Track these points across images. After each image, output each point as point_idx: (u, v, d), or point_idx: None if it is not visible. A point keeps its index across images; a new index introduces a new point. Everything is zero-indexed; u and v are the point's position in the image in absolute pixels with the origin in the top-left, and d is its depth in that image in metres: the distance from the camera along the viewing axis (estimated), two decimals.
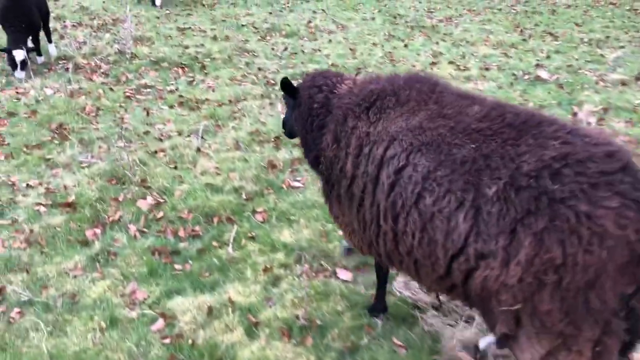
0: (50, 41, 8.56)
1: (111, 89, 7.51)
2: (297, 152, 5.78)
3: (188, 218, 4.85)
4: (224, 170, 5.61)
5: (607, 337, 2.40)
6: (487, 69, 9.05)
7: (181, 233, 4.67)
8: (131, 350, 3.48)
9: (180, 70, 8.36)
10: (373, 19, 11.99)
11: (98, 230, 4.62)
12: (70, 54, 8.57)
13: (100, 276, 4.13)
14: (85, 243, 4.48)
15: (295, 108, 3.83)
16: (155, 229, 4.71)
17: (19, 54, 7.36)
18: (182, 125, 6.62)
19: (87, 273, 4.17)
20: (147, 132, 6.37)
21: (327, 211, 3.79)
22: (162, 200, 5.05)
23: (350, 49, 9.81)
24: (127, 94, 7.41)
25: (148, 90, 7.60)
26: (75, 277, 4.12)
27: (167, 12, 11.40)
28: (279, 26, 10.81)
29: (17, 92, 7.20)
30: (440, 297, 3.87)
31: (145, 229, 4.71)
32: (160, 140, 6.23)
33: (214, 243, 4.57)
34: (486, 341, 3.41)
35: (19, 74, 7.47)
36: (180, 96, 7.45)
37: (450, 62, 9.30)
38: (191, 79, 8.08)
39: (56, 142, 6.03)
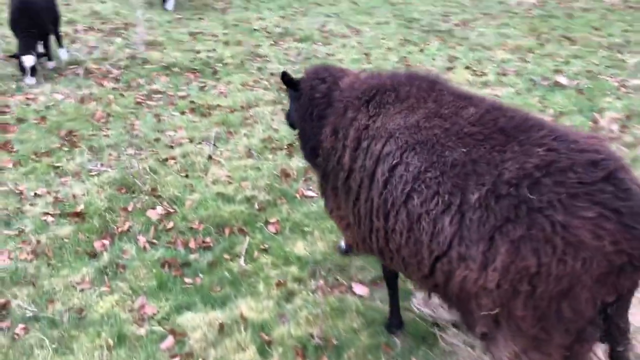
0: (61, 46, 8.47)
1: (122, 95, 7.39)
2: None
3: (199, 229, 4.71)
4: (235, 179, 5.46)
5: (577, 344, 2.43)
6: (504, 74, 8.85)
7: (192, 244, 4.53)
8: None
9: (191, 76, 8.23)
10: (387, 23, 11.81)
11: (106, 242, 4.49)
12: (81, 59, 8.48)
13: (108, 290, 3.99)
14: (94, 255, 4.35)
15: (296, 100, 3.90)
16: (165, 240, 4.58)
17: (29, 60, 7.27)
18: (194, 132, 6.49)
19: (94, 286, 4.04)
20: (157, 139, 6.24)
21: None
22: (172, 210, 4.92)
23: (365, 54, 9.65)
24: (138, 99, 7.29)
25: (159, 95, 7.48)
26: (82, 290, 4.00)
27: (179, 16, 11.30)
28: (292, 31, 10.67)
29: (27, 98, 7.10)
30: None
31: (155, 240, 4.57)
32: (171, 147, 6.10)
33: (226, 255, 4.43)
34: None
35: (29, 79, 7.37)
36: (192, 102, 7.32)
37: (467, 67, 9.11)
38: (203, 85, 7.95)
39: (65, 149, 5.91)
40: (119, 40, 9.55)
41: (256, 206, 5.06)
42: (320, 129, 3.52)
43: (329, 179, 3.41)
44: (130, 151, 5.81)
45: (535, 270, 2.30)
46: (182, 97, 7.46)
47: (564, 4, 14.20)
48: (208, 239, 4.60)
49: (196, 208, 4.97)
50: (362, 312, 3.85)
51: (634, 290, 2.50)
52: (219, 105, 7.26)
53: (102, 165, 5.61)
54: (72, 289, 3.99)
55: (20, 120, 6.48)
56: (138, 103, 7.21)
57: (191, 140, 6.28)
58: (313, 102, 3.66)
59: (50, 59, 8.13)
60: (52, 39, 8.20)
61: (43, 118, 6.54)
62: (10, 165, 5.52)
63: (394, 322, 3.72)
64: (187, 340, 3.60)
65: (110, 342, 3.54)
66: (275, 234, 4.74)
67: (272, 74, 8.47)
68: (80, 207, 4.87)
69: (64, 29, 9.55)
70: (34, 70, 7.38)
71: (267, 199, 5.19)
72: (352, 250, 4.42)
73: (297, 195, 5.26)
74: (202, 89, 7.83)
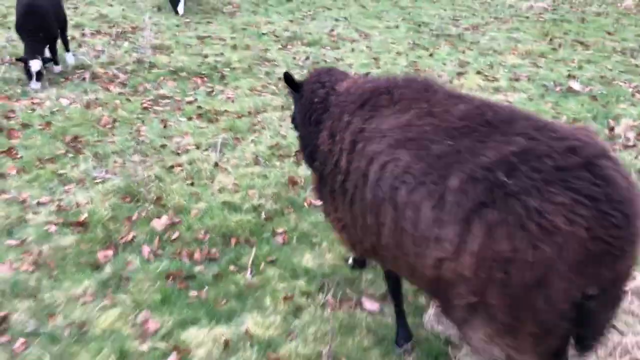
0: (67, 50, 8.39)
1: (128, 100, 7.30)
2: None
3: (204, 239, 4.59)
4: (242, 187, 5.34)
5: (549, 335, 2.44)
6: (516, 80, 8.71)
7: (197, 256, 4.41)
8: None
9: (199, 80, 8.13)
10: (397, 27, 11.69)
11: (110, 252, 4.38)
12: (88, 63, 8.38)
13: (110, 303, 3.88)
14: (96, 266, 4.24)
15: (298, 102, 3.93)
16: (170, 251, 4.47)
17: (35, 64, 7.19)
18: (200, 138, 6.38)
19: (97, 300, 3.92)
20: (164, 146, 6.13)
21: None
22: (177, 220, 4.80)
23: (374, 58, 9.53)
24: (145, 105, 7.19)
25: (166, 101, 7.38)
26: (84, 304, 3.88)
27: (187, 20, 11.21)
28: (301, 35, 10.56)
29: (32, 103, 7.01)
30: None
31: (159, 251, 4.46)
32: (178, 154, 5.99)
33: (231, 267, 4.31)
34: None
35: (35, 84, 7.29)
36: (199, 107, 7.22)
37: (478, 72, 8.98)
38: (210, 90, 7.85)
39: (70, 155, 5.81)
40: (126, 44, 9.46)
41: (263, 215, 4.94)
42: (317, 133, 3.54)
43: (326, 183, 3.41)
44: (136, 158, 5.70)
45: (510, 256, 2.30)
46: (189, 103, 7.36)
47: (576, 8, 14.02)
48: (214, 250, 4.48)
49: (202, 217, 4.85)
50: (373, 329, 3.72)
51: (620, 285, 2.46)
52: (226, 111, 7.15)
53: (106, 172, 5.50)
54: (74, 302, 3.88)
55: (25, 126, 6.39)
56: (145, 108, 7.11)
57: (198, 147, 6.17)
58: (312, 107, 3.69)
59: (56, 63, 8.05)
60: (59, 43, 8.11)
61: (48, 123, 6.45)
62: (14, 172, 5.42)
63: (403, 334, 3.61)
64: (191, 357, 3.48)
65: (112, 358, 3.43)
66: (282, 244, 4.62)
67: (280, 79, 8.34)
68: (83, 216, 4.76)
69: (71, 32, 9.49)
70: (39, 75, 7.29)
71: (274, 208, 5.07)
72: (361, 264, 4.30)
73: (305, 204, 5.14)
74: (209, 94, 7.73)
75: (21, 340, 3.54)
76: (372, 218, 2.96)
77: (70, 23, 9.85)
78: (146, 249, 4.42)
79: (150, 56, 8.75)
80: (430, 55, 9.88)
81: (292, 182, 5.46)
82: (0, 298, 3.87)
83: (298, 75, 8.40)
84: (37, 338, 3.56)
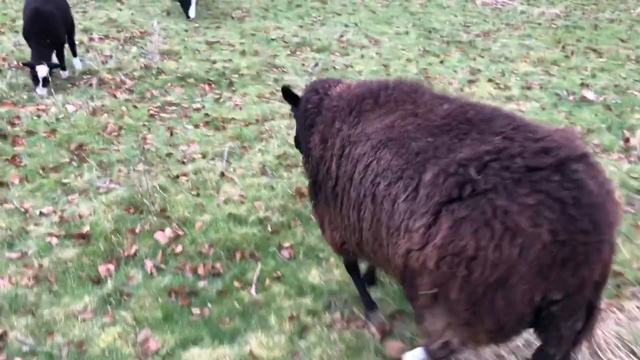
0: (75, 55, 8.32)
1: (135, 107, 7.21)
2: None
3: (208, 253, 4.49)
4: (248, 199, 5.23)
5: (504, 333, 2.46)
6: (528, 88, 8.55)
7: (200, 270, 4.30)
8: None
9: (206, 87, 8.04)
10: (407, 33, 11.55)
11: (112, 267, 4.28)
12: (95, 69, 8.31)
13: (110, 321, 3.77)
14: (97, 281, 4.14)
15: (297, 118, 3.97)
16: (173, 265, 4.36)
17: (42, 70, 7.11)
18: (207, 146, 6.28)
19: (97, 317, 3.82)
20: (169, 154, 6.04)
21: None
22: (181, 233, 4.70)
23: (384, 65, 9.40)
24: (151, 112, 7.10)
25: (173, 108, 7.29)
26: (84, 321, 3.78)
27: (196, 25, 11.13)
28: (310, 41, 10.44)
29: (38, 109, 6.94)
30: None
31: (162, 265, 4.36)
32: (183, 163, 5.89)
33: (236, 283, 4.20)
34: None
35: (41, 90, 7.21)
36: (206, 115, 7.12)
37: (490, 80, 8.83)
38: (218, 96, 7.75)
39: (74, 164, 5.72)
40: (134, 49, 9.39)
41: (269, 229, 4.83)
42: (310, 137, 3.61)
43: (320, 189, 3.48)
44: (141, 167, 5.60)
45: (473, 254, 2.29)
46: (197, 110, 7.27)
47: (588, 15, 13.84)
48: (218, 265, 4.37)
49: (206, 230, 4.74)
50: (381, 351, 3.59)
51: (584, 293, 2.39)
52: (233, 119, 7.05)
53: (111, 181, 5.41)
54: (73, 319, 3.78)
55: (29, 133, 6.31)
56: (151, 115, 7.02)
57: (204, 156, 6.07)
58: (306, 113, 3.75)
59: (63, 69, 7.98)
60: (66, 47, 8.04)
61: (53, 131, 6.37)
62: (17, 181, 5.34)
63: (367, 306, 3.85)
64: None
65: None
66: (288, 259, 4.50)
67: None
68: (86, 228, 4.66)
69: (79, 37, 9.43)
70: (46, 81, 7.22)
71: (280, 220, 4.96)
72: (370, 281, 4.18)
73: (313, 217, 5.02)
74: (217, 100, 7.63)
75: (18, 359, 3.44)
76: (354, 215, 3.05)
77: (78, 27, 9.80)
78: (149, 263, 4.32)
79: (158, 62, 8.66)
80: (441, 62, 9.74)
81: (300, 193, 5.34)
82: None
83: (307, 82, 8.30)
84: (34, 358, 3.46)
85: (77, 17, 10.68)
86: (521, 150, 2.36)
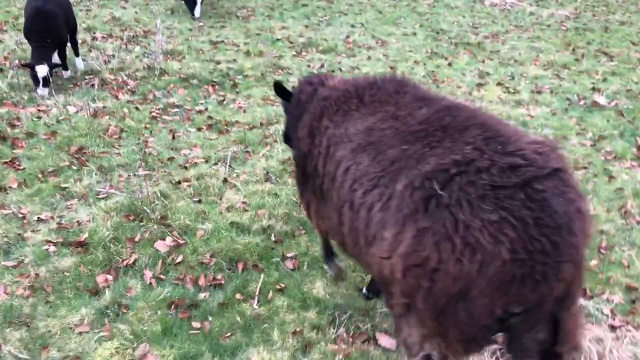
0: (77, 54, 8.18)
1: (137, 108, 7.08)
2: None
3: (210, 264, 4.35)
4: (252, 207, 5.09)
5: (472, 343, 2.48)
6: (538, 92, 8.39)
7: (201, 281, 4.17)
8: None
9: (210, 89, 7.89)
10: (414, 34, 11.39)
11: (110, 277, 4.15)
12: (97, 69, 8.18)
13: (108, 335, 3.64)
14: (95, 292, 4.01)
15: (289, 112, 4.02)
16: (173, 276, 4.23)
17: (42, 70, 6.98)
18: (210, 150, 6.15)
19: (94, 330, 3.69)
20: (171, 159, 5.90)
21: None
22: (182, 242, 4.56)
23: (391, 67, 9.25)
24: (154, 114, 6.97)
25: (175, 110, 7.15)
26: (80, 334, 3.65)
27: (201, 24, 10.99)
28: (316, 41, 10.30)
29: (38, 110, 6.81)
30: None
31: (162, 276, 4.22)
32: (185, 168, 5.76)
33: (238, 295, 4.07)
34: None
35: (41, 90, 7.08)
36: (209, 117, 6.98)
37: (499, 84, 8.66)
38: (222, 98, 7.61)
39: (74, 168, 5.59)
40: (137, 48, 9.25)
41: (273, 238, 4.69)
42: (300, 129, 3.63)
43: (307, 180, 3.56)
44: (142, 172, 5.47)
45: (435, 266, 2.32)
46: (200, 112, 7.13)
47: (599, 16, 13.65)
48: (219, 276, 4.24)
49: (208, 239, 4.61)
50: None
51: (544, 307, 2.39)
52: (237, 122, 6.91)
53: (111, 186, 5.28)
54: (70, 332, 3.65)
55: (29, 135, 6.19)
56: (153, 117, 6.89)
57: (207, 161, 5.93)
58: (299, 104, 3.82)
59: (65, 69, 7.86)
60: (69, 47, 7.92)
61: (53, 133, 6.24)
62: (15, 186, 5.22)
63: (327, 255, 4.22)
64: None
65: None
66: (292, 270, 4.36)
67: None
68: (84, 236, 4.53)
69: (82, 36, 9.32)
70: (46, 81, 7.08)
71: (284, 229, 4.82)
72: (377, 293, 4.04)
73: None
74: (220, 102, 7.49)
75: None
76: (336, 218, 3.10)
77: (81, 26, 9.70)
78: (148, 274, 4.19)
79: (161, 62, 8.52)
80: (449, 64, 9.59)
81: None
82: None
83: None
84: None
85: (80, 15, 10.58)
86: (489, 165, 2.36)
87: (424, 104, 2.98)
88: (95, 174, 5.46)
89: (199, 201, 5.16)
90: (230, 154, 5.95)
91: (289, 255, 4.51)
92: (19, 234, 4.57)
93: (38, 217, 4.79)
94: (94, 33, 9.94)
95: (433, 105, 2.94)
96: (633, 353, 3.56)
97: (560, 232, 2.25)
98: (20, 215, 4.80)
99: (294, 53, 9.72)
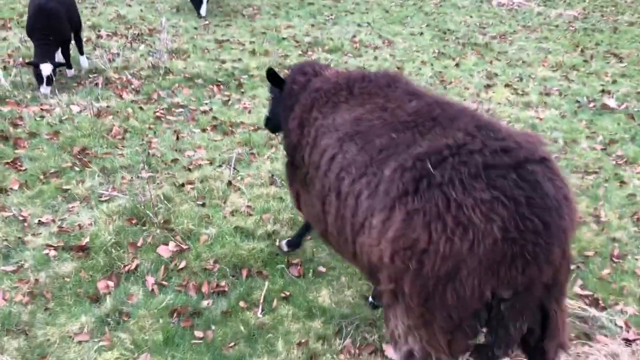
0: (81, 53, 8.10)
1: (141, 108, 6.99)
2: None
3: (213, 270, 4.26)
4: (256, 211, 4.99)
5: (459, 332, 2.42)
6: (547, 94, 8.27)
7: (204, 288, 4.08)
8: None
9: (215, 88, 7.80)
10: (421, 34, 11.27)
11: (111, 283, 4.06)
12: (102, 68, 8.09)
13: (108, 344, 3.55)
14: (96, 299, 3.92)
15: (281, 99, 3.95)
16: (176, 282, 4.14)
17: (46, 69, 6.89)
18: (214, 152, 6.05)
19: (93, 339, 3.60)
20: (175, 160, 5.81)
21: None
22: (185, 247, 4.47)
23: (397, 68, 9.14)
24: (158, 114, 6.88)
25: (180, 110, 7.06)
26: (80, 343, 3.57)
27: (206, 22, 10.89)
28: (322, 40, 10.19)
29: (41, 109, 6.73)
30: None
31: (164, 282, 4.13)
32: (189, 170, 5.66)
33: (242, 303, 3.98)
34: None
35: (44, 89, 7.00)
36: (214, 118, 6.89)
37: (507, 85, 8.55)
38: (227, 98, 7.51)
39: (77, 169, 5.51)
40: (142, 47, 9.16)
41: (277, 244, 4.60)
42: (290, 119, 3.61)
43: (296, 171, 3.58)
44: (145, 174, 5.38)
45: (424, 247, 2.30)
46: (204, 112, 7.04)
47: (607, 17, 13.50)
48: (223, 283, 4.15)
49: (212, 244, 4.52)
50: None
51: (533, 292, 2.40)
52: (242, 123, 6.82)
53: (113, 189, 5.19)
54: (69, 341, 3.56)
55: (32, 135, 6.10)
56: (157, 118, 6.80)
57: (211, 162, 5.83)
58: (291, 93, 3.78)
59: (69, 67, 7.77)
60: (73, 45, 7.83)
61: (56, 133, 6.16)
62: (16, 187, 5.13)
63: (294, 242, 4.38)
64: None
65: None
66: (297, 277, 4.27)
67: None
68: (85, 240, 4.44)
69: (87, 33, 9.24)
70: (50, 80, 6.99)
71: (289, 235, 4.72)
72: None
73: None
74: (225, 103, 7.40)
75: None
76: (319, 206, 3.11)
77: (86, 24, 9.61)
78: (150, 280, 4.10)
79: (166, 61, 8.42)
80: (457, 65, 9.47)
81: None
82: None
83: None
84: None
85: (85, 12, 10.50)
86: (481, 147, 2.39)
87: (414, 98, 3.01)
88: (98, 176, 5.37)
89: (203, 205, 5.07)
90: (235, 156, 5.86)
91: (294, 261, 4.41)
92: (19, 238, 4.49)
93: (39, 220, 4.71)
94: (99, 31, 9.85)
95: (423, 99, 2.98)
96: None
97: (552, 213, 2.27)
98: (20, 218, 4.71)
99: (300, 52, 9.61)
